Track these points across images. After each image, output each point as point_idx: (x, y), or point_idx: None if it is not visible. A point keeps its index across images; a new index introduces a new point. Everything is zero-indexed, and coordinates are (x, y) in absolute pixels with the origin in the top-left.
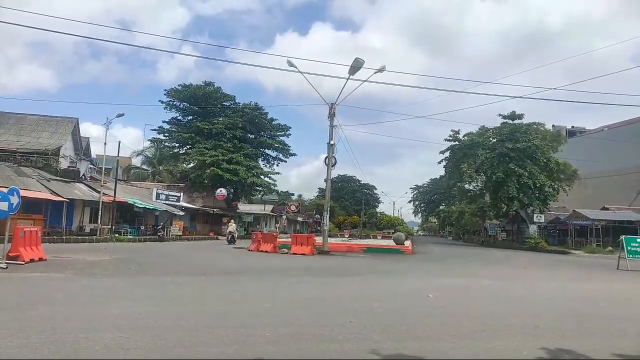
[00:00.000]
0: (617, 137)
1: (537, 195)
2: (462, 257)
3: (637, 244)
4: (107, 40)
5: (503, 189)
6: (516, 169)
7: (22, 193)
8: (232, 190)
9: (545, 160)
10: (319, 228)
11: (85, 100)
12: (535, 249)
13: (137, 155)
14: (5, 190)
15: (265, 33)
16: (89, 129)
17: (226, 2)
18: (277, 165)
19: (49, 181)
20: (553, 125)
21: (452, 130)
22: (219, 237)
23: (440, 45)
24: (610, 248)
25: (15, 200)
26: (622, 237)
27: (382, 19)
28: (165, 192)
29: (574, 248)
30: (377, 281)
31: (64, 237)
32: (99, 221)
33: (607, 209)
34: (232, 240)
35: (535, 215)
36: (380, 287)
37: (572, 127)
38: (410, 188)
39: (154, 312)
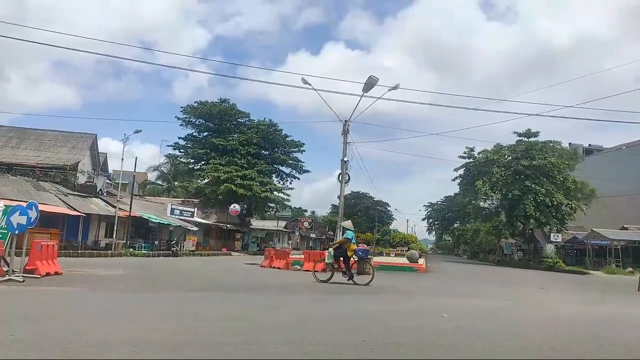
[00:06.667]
0: (636, 155)
1: (554, 214)
2: (477, 276)
3: None
4: (124, 58)
5: (519, 207)
6: (533, 186)
7: (40, 207)
8: (245, 206)
9: (562, 179)
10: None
11: (104, 117)
12: (552, 269)
13: (153, 171)
14: (24, 204)
15: (279, 52)
16: (107, 145)
17: (243, 23)
18: (291, 182)
19: (66, 196)
20: (570, 144)
21: (466, 148)
22: (232, 253)
23: (448, 65)
24: (630, 269)
25: (33, 214)
26: None
27: (390, 39)
28: (179, 208)
29: (593, 268)
30: (391, 299)
31: (79, 251)
32: (114, 236)
33: (626, 228)
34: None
35: (552, 235)
36: (393, 306)
37: (589, 145)
38: (424, 205)
39: (166, 327)
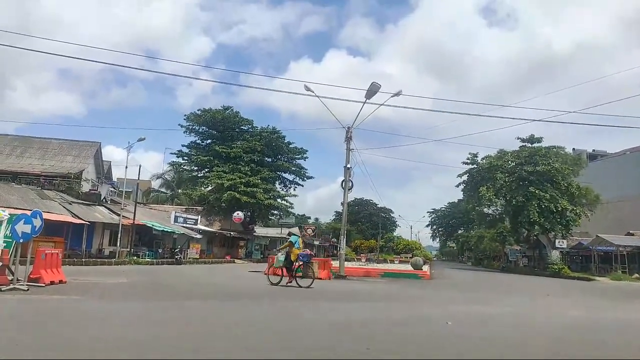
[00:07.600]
0: None
1: (558, 220)
2: (482, 283)
3: None
4: (130, 67)
5: (523, 213)
6: (537, 192)
7: (45, 216)
8: (249, 213)
9: (566, 185)
10: (335, 252)
11: (108, 125)
12: (557, 276)
13: (157, 179)
14: (28, 213)
15: (281, 59)
16: (111, 153)
17: (246, 31)
18: (295, 189)
19: (70, 204)
20: (573, 149)
21: (470, 154)
22: (235, 261)
23: (450, 71)
24: (636, 275)
25: (38, 222)
26: None
27: (392, 46)
28: (183, 215)
29: (598, 275)
30: (395, 307)
31: (83, 259)
32: (118, 244)
33: (631, 234)
34: None
35: (557, 241)
36: (398, 313)
37: (593, 150)
38: (428, 212)
39: (170, 334)
